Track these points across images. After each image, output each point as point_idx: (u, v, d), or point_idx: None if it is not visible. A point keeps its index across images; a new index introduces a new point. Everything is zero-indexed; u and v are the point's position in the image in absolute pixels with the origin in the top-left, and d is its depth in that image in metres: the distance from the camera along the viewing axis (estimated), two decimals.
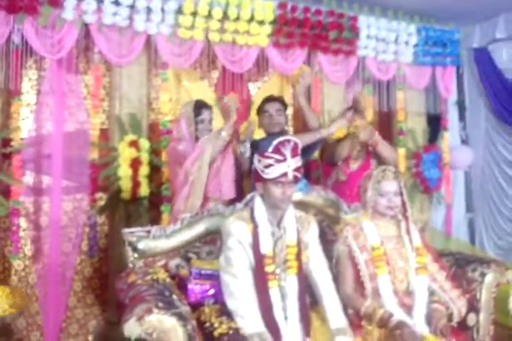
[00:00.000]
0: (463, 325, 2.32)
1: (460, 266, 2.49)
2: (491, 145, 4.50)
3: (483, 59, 4.34)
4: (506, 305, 2.69)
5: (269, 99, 3.00)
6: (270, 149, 2.06)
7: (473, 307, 2.36)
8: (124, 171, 3.04)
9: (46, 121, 3.24)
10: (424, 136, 4.24)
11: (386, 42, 3.75)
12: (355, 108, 2.99)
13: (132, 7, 3.02)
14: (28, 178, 3.24)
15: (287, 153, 2.06)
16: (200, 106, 2.80)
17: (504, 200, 4.41)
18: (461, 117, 4.70)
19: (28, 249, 3.28)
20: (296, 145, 2.08)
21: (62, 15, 2.89)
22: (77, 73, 3.27)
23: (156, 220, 3.12)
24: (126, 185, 3.06)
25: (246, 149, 2.69)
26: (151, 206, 3.24)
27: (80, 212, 3.31)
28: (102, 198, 3.33)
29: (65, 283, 3.21)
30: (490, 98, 4.39)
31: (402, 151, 3.97)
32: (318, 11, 3.47)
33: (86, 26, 3.00)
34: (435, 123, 4.35)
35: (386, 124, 4.17)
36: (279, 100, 3.01)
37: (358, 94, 3.02)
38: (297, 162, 2.09)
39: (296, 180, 2.11)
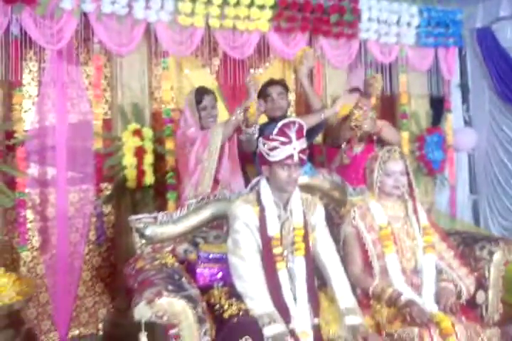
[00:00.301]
0: (472, 303, 2.32)
1: (467, 245, 2.49)
2: (496, 126, 4.48)
3: (486, 38, 4.30)
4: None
5: (271, 83, 2.98)
6: (275, 131, 2.05)
7: (481, 285, 2.36)
8: (129, 160, 3.04)
9: (49, 112, 3.23)
10: (428, 118, 4.22)
11: (388, 24, 3.73)
12: (366, 91, 2.92)
13: None
14: (33, 170, 3.24)
15: (292, 135, 2.05)
16: (201, 93, 2.79)
17: (510, 180, 4.40)
18: (464, 99, 4.68)
19: (35, 240, 3.29)
20: (301, 126, 2.08)
21: (61, 4, 2.87)
22: (77, 64, 3.25)
23: (162, 208, 3.13)
24: (131, 174, 3.06)
25: (256, 131, 2.64)
26: (156, 194, 3.24)
27: (86, 203, 3.32)
28: (107, 188, 3.35)
29: (73, 272, 3.23)
30: (493, 78, 4.35)
31: (405, 135, 3.97)
32: None
33: (85, 16, 2.98)
34: (438, 106, 4.33)
35: (389, 107, 4.15)
36: (281, 83, 2.99)
37: (371, 78, 2.93)
38: (302, 144, 2.09)
39: (301, 162, 2.11)
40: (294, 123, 2.07)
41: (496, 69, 4.33)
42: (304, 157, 2.11)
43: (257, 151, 2.20)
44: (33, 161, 3.20)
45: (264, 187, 2.14)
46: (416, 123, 4.13)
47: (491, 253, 2.41)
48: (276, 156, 2.05)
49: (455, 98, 4.50)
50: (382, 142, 3.01)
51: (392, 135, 3.03)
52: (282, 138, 2.05)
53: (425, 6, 3.88)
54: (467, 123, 4.68)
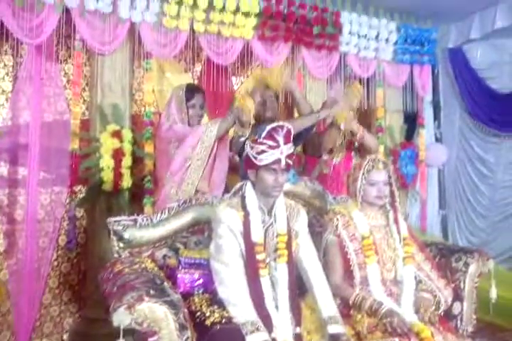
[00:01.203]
0: (448, 314, 2.35)
1: (444, 256, 2.53)
2: (465, 143, 4.62)
3: (458, 59, 4.45)
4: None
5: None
6: (263, 135, 2.02)
7: (457, 296, 2.40)
8: (107, 162, 2.94)
9: (23, 109, 3.10)
10: (402, 133, 4.31)
11: (367, 38, 3.82)
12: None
13: None
14: (2, 169, 3.10)
15: (280, 139, 2.02)
16: (191, 90, 2.75)
17: (477, 197, 4.53)
18: (435, 116, 4.81)
19: (0, 244, 3.14)
20: (288, 131, 2.06)
21: None
22: (56, 61, 3.15)
23: (137, 214, 3.03)
24: (107, 176, 2.96)
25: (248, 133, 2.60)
26: (132, 199, 3.16)
27: (57, 206, 3.19)
28: (81, 191, 3.23)
29: (39, 279, 3.08)
30: (464, 97, 4.50)
31: (380, 149, 4.03)
32: (302, 4, 3.50)
33: (67, 11, 2.89)
34: (410, 122, 4.43)
35: (364, 122, 4.20)
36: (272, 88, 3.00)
37: (351, 86, 2.98)
38: (289, 149, 2.07)
39: (288, 167, 2.09)
40: (282, 127, 2.04)
41: (466, 89, 4.48)
42: (290, 162, 2.09)
43: (243, 154, 2.17)
44: (3, 160, 3.06)
45: (249, 192, 2.10)
46: (390, 137, 4.21)
47: (466, 265, 2.45)
48: (263, 160, 2.02)
49: (427, 115, 4.62)
50: (361, 151, 3.03)
51: (373, 141, 3.07)
52: (270, 142, 2.02)
53: (403, 23, 4.00)
54: (438, 139, 4.81)
